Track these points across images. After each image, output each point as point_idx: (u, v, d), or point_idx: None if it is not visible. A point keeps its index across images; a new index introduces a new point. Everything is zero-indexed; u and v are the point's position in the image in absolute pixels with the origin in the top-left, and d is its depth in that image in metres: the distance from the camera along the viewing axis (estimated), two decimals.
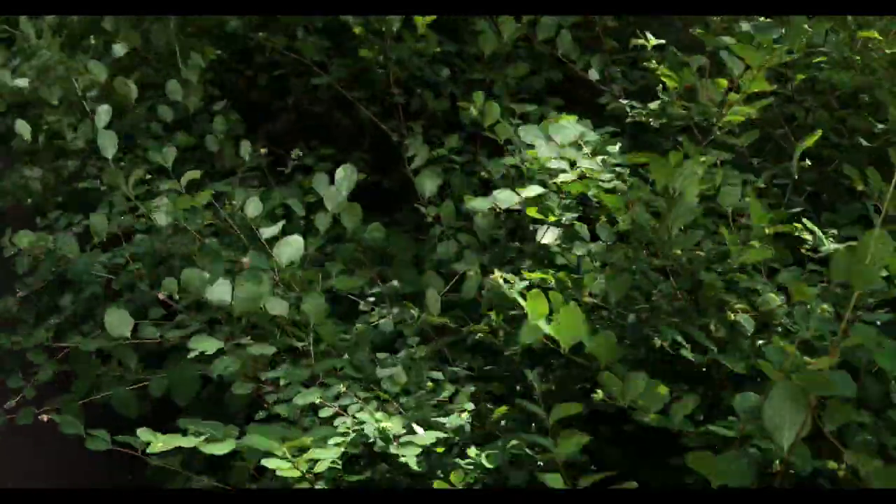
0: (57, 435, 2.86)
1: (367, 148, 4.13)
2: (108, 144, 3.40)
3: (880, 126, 3.15)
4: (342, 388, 2.63)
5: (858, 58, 3.15)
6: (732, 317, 2.42)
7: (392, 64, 3.79)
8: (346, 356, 2.87)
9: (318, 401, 2.58)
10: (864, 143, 3.14)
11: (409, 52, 3.78)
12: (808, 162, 2.90)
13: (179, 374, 2.89)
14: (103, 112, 3.40)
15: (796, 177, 2.92)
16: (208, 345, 2.67)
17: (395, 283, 3.27)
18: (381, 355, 2.82)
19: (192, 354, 2.67)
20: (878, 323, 2.43)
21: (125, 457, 3.19)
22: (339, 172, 3.18)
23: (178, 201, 3.11)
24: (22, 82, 3.81)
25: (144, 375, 2.97)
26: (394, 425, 2.45)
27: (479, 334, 2.68)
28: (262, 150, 3.62)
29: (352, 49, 3.99)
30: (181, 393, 2.92)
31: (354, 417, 2.52)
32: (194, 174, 3.18)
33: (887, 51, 3.16)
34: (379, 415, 2.50)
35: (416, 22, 3.70)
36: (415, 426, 2.51)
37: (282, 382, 2.69)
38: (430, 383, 2.65)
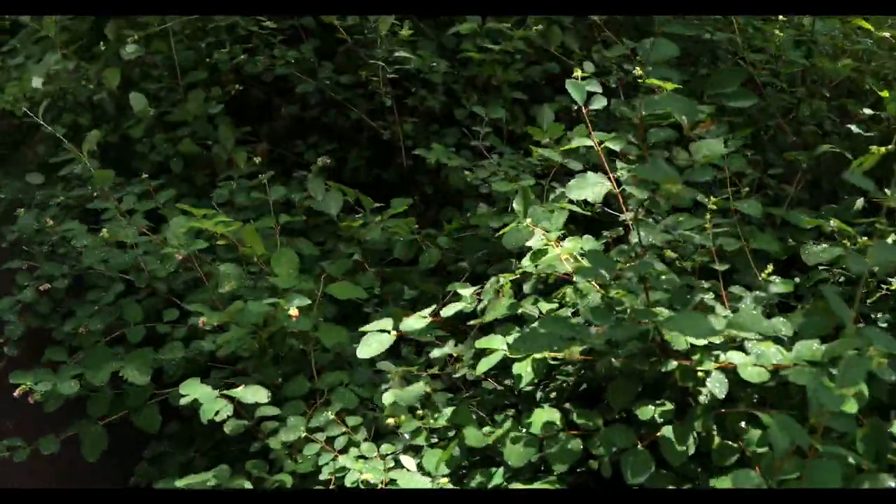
0: (66, 416, 2.91)
1: (366, 144, 4.13)
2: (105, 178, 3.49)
3: (867, 111, 3.15)
4: (330, 415, 2.67)
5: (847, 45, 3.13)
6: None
7: (381, 64, 3.78)
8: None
9: (302, 435, 2.62)
10: (855, 129, 3.13)
11: (402, 50, 3.77)
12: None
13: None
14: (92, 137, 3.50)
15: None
16: (200, 392, 2.66)
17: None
18: (383, 364, 2.84)
19: (183, 401, 2.66)
20: None
21: (124, 456, 3.24)
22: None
23: (183, 226, 3.12)
24: (36, 82, 3.81)
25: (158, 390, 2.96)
26: (374, 476, 2.47)
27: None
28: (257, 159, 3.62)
29: (345, 51, 3.99)
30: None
31: (336, 459, 2.56)
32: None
33: (885, 34, 3.15)
34: (360, 463, 2.53)
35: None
36: (403, 459, 2.53)
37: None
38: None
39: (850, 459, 1.95)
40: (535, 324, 2.32)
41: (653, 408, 2.32)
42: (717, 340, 2.23)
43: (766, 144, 3.35)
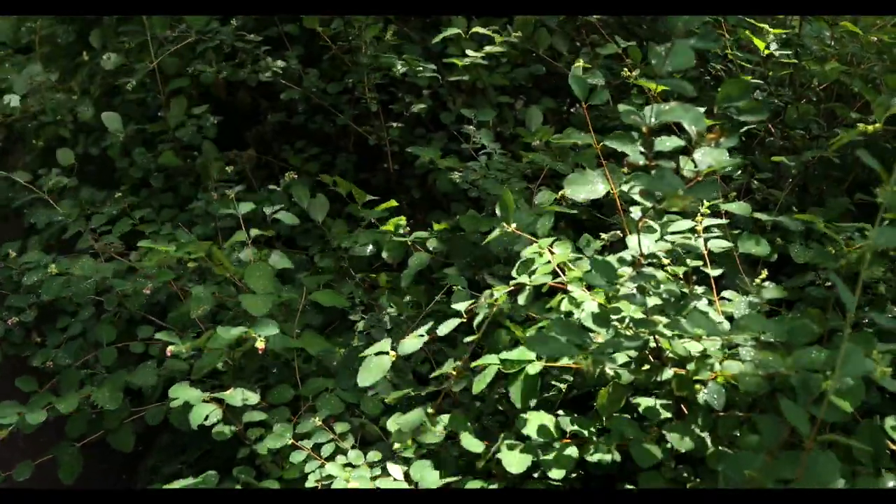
0: (54, 436, 2.92)
1: (353, 149, 4.11)
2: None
3: (854, 115, 3.15)
4: (317, 421, 2.65)
5: (835, 48, 3.14)
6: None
7: (366, 68, 3.77)
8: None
9: (289, 442, 2.60)
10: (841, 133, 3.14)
11: (387, 55, 3.75)
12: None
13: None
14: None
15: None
16: (189, 395, 2.64)
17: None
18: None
19: (173, 404, 2.64)
20: None
21: (122, 457, 3.22)
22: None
23: (150, 258, 3.10)
24: (14, 100, 3.78)
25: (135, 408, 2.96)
26: (361, 484, 2.45)
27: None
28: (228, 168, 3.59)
29: (330, 57, 3.98)
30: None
31: (323, 466, 2.54)
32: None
33: (873, 38, 3.15)
34: (347, 471, 2.52)
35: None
36: (390, 467, 2.51)
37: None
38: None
39: (852, 443, 1.93)
40: (550, 328, 2.29)
41: (654, 400, 2.32)
42: (713, 347, 2.21)
43: (754, 148, 3.35)
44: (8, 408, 2.77)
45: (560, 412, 2.50)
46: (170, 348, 2.80)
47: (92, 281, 3.16)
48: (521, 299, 2.53)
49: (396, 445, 2.55)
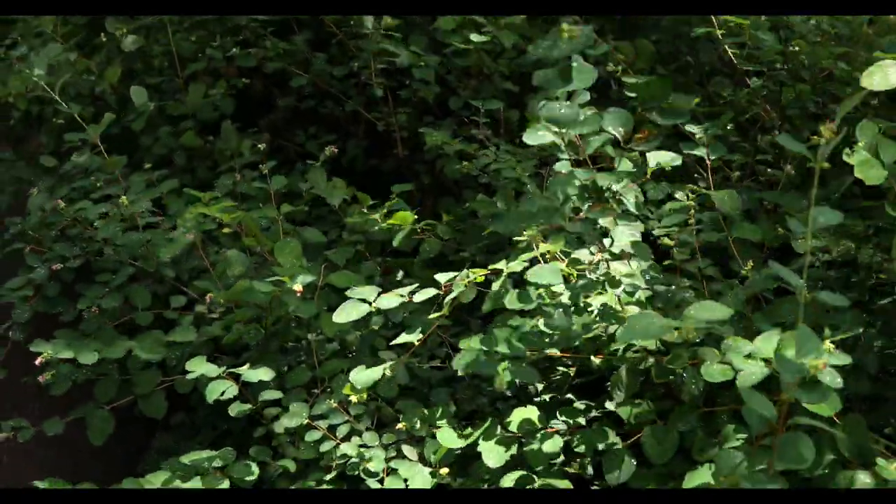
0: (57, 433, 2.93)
1: (363, 135, 4.17)
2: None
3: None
4: (333, 403, 2.71)
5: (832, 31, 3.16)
6: None
7: (370, 54, 3.82)
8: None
9: (305, 421, 2.66)
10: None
11: (393, 44, 3.80)
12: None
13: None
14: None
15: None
16: (206, 368, 2.66)
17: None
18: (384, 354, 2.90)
19: (189, 377, 2.68)
20: None
21: (126, 455, 3.31)
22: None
23: (190, 211, 3.16)
24: (39, 72, 3.84)
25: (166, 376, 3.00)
26: (376, 464, 2.52)
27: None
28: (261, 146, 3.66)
29: (337, 42, 4.03)
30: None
31: (338, 446, 2.61)
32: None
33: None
34: (362, 450, 2.58)
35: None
36: (405, 449, 2.58)
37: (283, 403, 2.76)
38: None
39: (824, 426, 1.94)
40: (496, 334, 2.35)
41: (630, 408, 2.36)
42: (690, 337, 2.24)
43: (756, 131, 3.36)
44: (61, 345, 2.77)
45: (569, 396, 2.56)
46: (209, 294, 2.87)
47: (144, 233, 3.24)
48: (495, 286, 2.51)
49: (353, 398, 2.57)
